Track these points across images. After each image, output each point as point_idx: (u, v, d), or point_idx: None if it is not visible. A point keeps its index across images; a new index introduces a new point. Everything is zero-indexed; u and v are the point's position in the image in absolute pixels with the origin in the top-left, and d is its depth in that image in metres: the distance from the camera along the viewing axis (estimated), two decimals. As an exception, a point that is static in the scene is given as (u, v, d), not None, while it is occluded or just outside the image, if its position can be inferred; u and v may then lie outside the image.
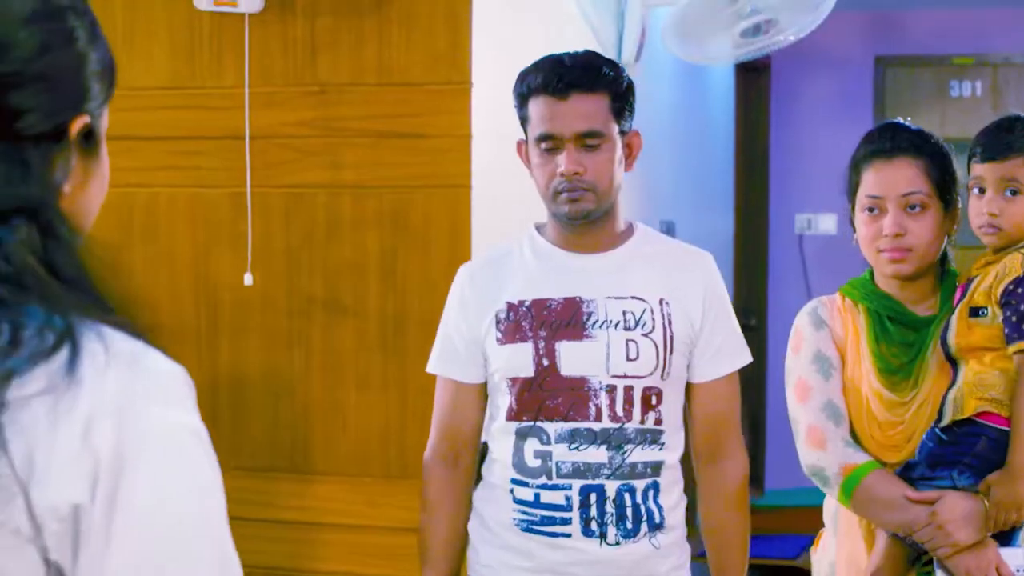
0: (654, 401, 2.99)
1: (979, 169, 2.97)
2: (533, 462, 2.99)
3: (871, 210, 3.03)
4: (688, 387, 3.09)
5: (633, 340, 2.97)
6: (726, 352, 3.08)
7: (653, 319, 2.99)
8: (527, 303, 3.02)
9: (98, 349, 1.27)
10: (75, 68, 1.37)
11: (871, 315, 3.08)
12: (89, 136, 1.40)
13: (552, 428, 2.97)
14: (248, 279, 4.04)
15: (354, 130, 4.01)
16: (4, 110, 1.31)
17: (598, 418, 2.95)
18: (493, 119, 3.96)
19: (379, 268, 4.01)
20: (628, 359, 2.96)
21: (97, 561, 1.22)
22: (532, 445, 2.99)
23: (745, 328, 3.32)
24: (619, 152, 3.00)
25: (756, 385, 8.03)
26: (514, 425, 3.01)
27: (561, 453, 2.95)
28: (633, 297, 3.01)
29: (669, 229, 6.28)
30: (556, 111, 2.96)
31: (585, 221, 3.00)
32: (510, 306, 3.03)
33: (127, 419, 1.25)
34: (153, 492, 1.24)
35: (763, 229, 8.66)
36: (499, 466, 3.06)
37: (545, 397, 2.98)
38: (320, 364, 4.07)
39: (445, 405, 3.14)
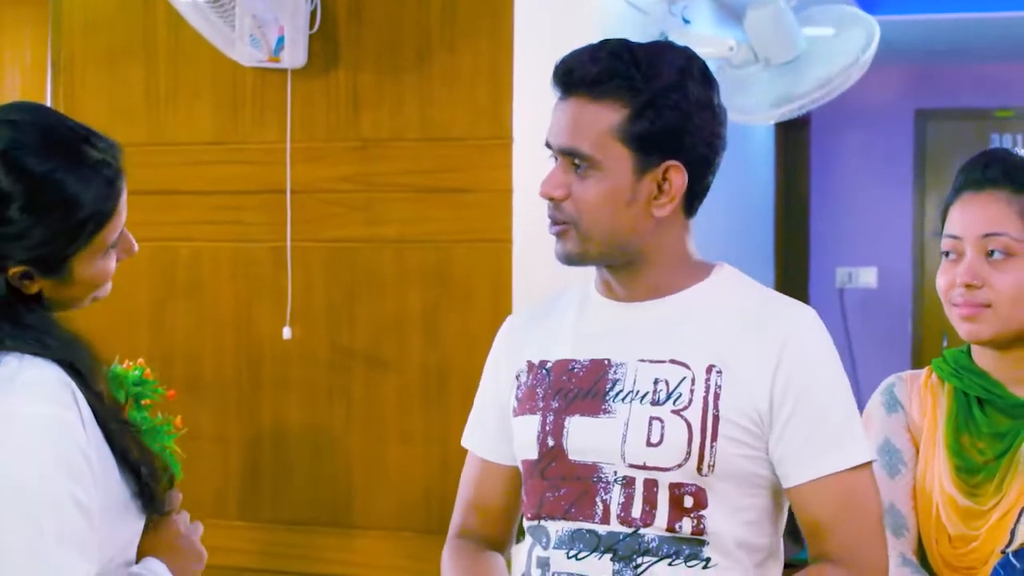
0: (688, 504, 2.16)
1: None
2: (535, 572, 2.25)
3: (947, 254, 2.36)
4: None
5: (658, 418, 2.16)
6: (822, 444, 2.16)
7: (692, 392, 2.16)
8: (549, 364, 2.28)
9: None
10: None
11: (957, 397, 2.39)
12: (50, 271, 2.02)
13: (553, 528, 2.22)
14: (287, 333, 4.06)
15: (396, 185, 4.03)
16: None
17: (604, 519, 2.17)
18: (534, 174, 3.92)
19: (420, 323, 4.01)
20: (649, 443, 2.16)
21: None
22: (536, 551, 2.26)
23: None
24: (629, 186, 2.18)
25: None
26: (528, 524, 2.30)
27: (559, 562, 2.21)
28: (672, 361, 2.19)
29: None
30: (556, 113, 2.23)
31: (582, 266, 2.26)
32: (530, 367, 2.31)
33: None
34: None
35: (803, 283, 8.63)
36: None
37: (546, 488, 2.24)
38: (361, 418, 4.07)
39: (470, 482, 2.45)
